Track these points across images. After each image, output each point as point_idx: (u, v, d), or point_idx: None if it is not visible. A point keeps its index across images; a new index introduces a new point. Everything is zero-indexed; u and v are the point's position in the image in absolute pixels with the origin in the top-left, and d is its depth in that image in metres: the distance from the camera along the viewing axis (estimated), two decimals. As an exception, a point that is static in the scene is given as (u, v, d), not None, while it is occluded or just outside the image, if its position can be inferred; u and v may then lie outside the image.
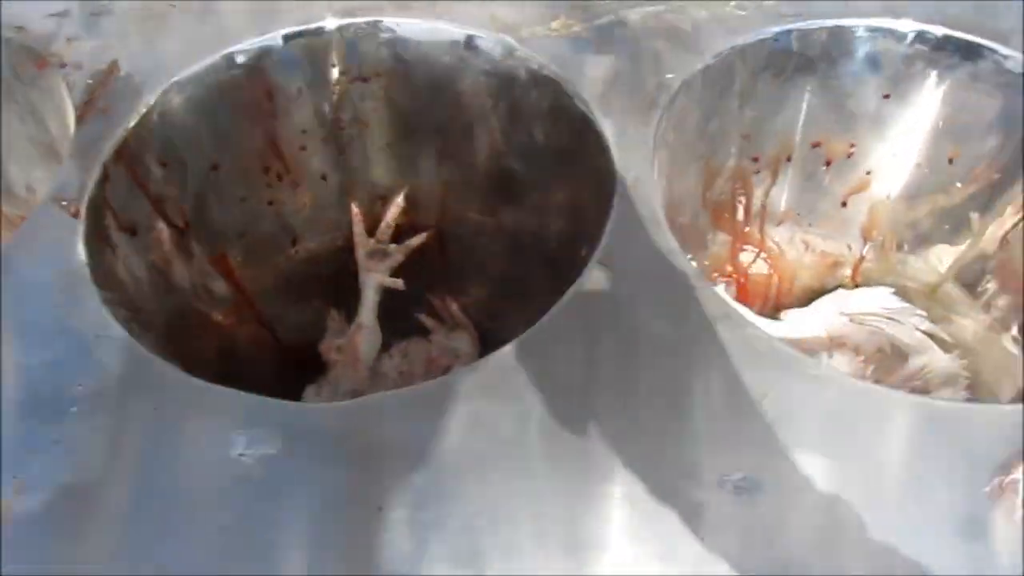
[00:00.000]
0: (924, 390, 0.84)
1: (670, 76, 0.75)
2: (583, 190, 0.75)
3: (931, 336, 0.87)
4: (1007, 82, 0.78)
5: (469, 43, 0.80)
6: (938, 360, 0.85)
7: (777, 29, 0.80)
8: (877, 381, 0.85)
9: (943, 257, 0.89)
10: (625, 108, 0.73)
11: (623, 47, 0.78)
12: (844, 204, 0.91)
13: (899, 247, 0.91)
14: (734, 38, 0.78)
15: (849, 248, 0.94)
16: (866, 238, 0.92)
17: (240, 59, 0.78)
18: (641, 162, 0.68)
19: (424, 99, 0.84)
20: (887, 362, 0.87)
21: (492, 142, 0.84)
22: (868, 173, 0.88)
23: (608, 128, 0.71)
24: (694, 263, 0.83)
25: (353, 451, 0.52)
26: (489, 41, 0.79)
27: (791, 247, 0.95)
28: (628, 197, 0.66)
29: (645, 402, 0.54)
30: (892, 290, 0.89)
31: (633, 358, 0.57)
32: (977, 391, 0.84)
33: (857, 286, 0.96)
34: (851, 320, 0.91)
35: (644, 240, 0.64)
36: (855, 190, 0.90)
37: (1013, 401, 0.80)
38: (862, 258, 0.94)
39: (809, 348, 0.88)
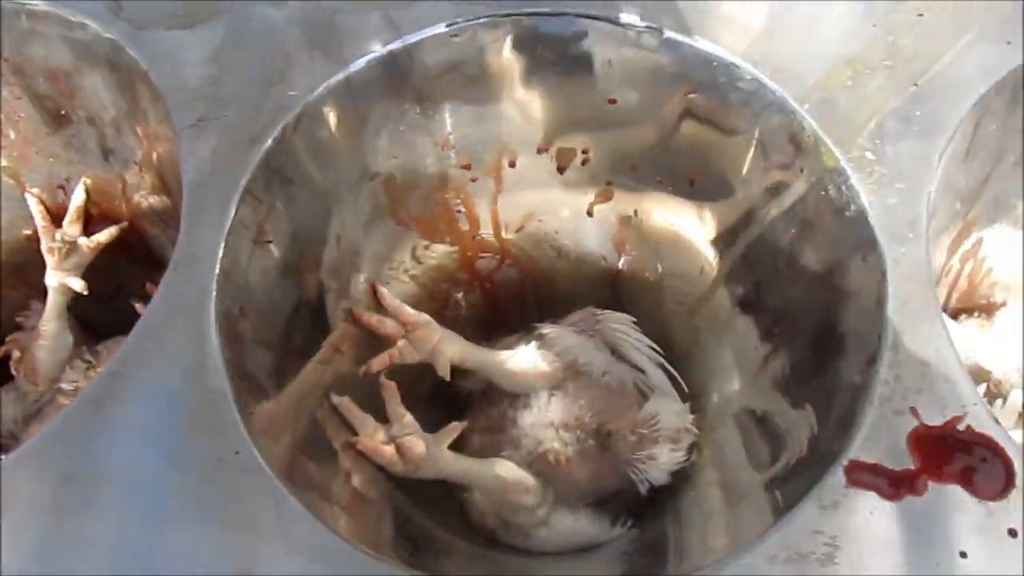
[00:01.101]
0: (651, 440, 0.73)
1: (293, 94, 0.60)
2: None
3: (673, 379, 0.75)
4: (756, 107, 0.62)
5: (78, 26, 0.65)
6: (668, 410, 0.73)
7: (463, 22, 0.63)
8: (603, 423, 0.74)
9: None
10: (224, 139, 0.59)
11: (252, 47, 0.63)
12: (590, 214, 0.77)
13: (654, 265, 0.77)
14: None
15: (604, 260, 0.80)
16: (619, 251, 0.79)
17: None
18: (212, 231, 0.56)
19: (59, 84, 0.70)
20: (621, 401, 0.76)
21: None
22: (608, 184, 0.73)
23: (191, 171, 0.58)
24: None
25: None
26: (99, 24, 0.64)
27: (540, 253, 0.81)
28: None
29: None
30: (632, 319, 0.76)
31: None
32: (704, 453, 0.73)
33: (620, 298, 0.82)
34: (603, 342, 0.79)
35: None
36: (599, 200, 0.75)
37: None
38: (620, 271, 0.80)
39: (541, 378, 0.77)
